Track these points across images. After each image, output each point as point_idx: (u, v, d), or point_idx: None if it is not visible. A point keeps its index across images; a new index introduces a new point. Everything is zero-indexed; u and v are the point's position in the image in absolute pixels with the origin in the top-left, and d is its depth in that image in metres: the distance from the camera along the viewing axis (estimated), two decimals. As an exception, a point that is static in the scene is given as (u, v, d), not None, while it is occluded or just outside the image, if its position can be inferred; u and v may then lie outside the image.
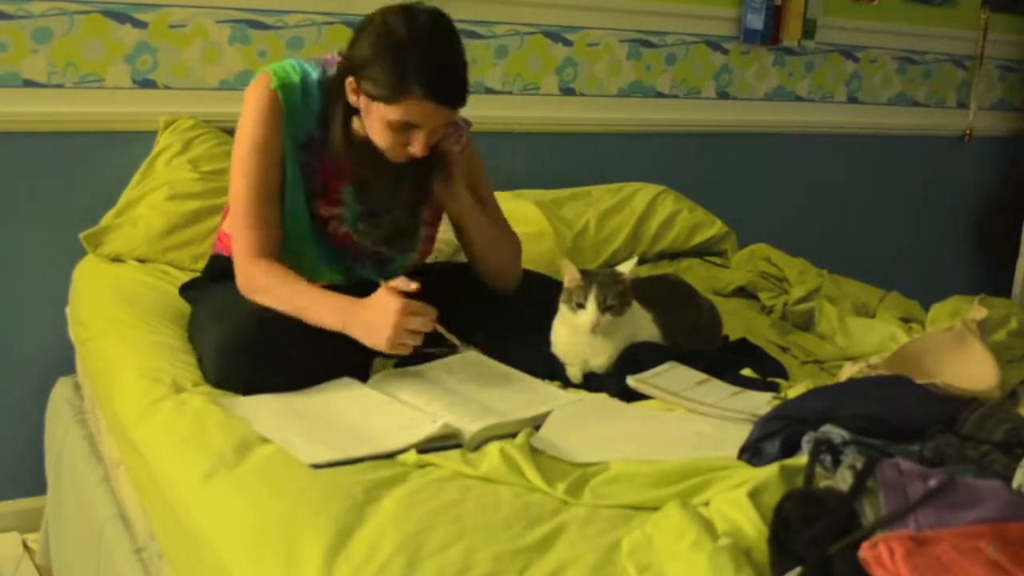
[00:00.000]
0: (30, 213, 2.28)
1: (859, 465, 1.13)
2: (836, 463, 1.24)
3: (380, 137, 1.70)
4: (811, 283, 2.41)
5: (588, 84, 2.92)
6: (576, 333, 1.73)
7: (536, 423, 1.52)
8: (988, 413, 1.36)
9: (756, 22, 3.08)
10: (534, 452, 1.40)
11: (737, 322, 2.16)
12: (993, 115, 3.80)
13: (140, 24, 2.30)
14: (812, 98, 3.35)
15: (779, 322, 2.27)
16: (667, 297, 1.90)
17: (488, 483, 1.32)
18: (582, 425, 1.53)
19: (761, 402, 1.57)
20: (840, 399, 1.42)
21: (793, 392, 1.60)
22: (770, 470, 1.20)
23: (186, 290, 1.96)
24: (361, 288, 1.69)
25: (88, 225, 2.22)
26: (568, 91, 2.89)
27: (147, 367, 1.67)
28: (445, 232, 2.09)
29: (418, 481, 1.31)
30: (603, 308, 1.68)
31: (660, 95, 3.05)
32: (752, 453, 1.36)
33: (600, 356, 1.73)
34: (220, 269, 1.85)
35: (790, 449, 1.33)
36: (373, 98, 1.66)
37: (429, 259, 2.06)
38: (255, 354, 1.60)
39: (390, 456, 1.39)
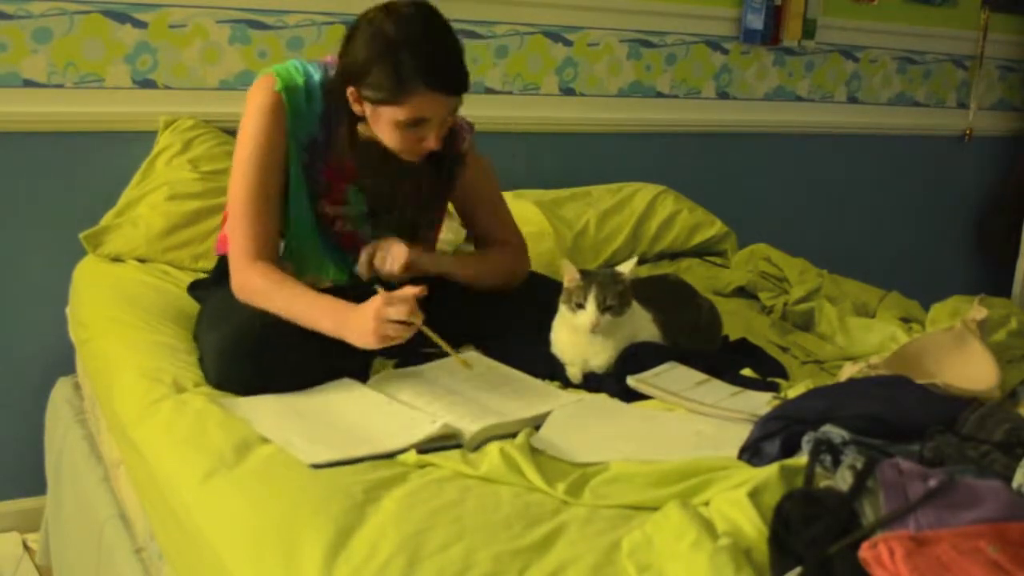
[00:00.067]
0: (30, 213, 2.28)
1: (859, 465, 1.13)
2: (836, 463, 1.24)
3: (393, 140, 1.70)
4: (811, 283, 2.41)
5: (588, 84, 2.92)
6: (576, 333, 1.73)
7: (536, 423, 1.52)
8: (988, 413, 1.36)
9: (756, 22, 3.08)
10: (534, 452, 1.40)
11: (737, 322, 2.16)
12: (993, 115, 3.79)
13: (140, 24, 2.30)
14: (812, 98, 3.35)
15: (779, 322, 2.27)
16: (667, 297, 1.90)
17: (488, 483, 1.32)
18: (582, 425, 1.53)
19: (761, 402, 1.57)
20: (840, 399, 1.42)
21: (793, 392, 1.60)
22: (770, 470, 1.20)
23: (194, 289, 1.97)
24: (364, 288, 1.69)
25: (88, 225, 2.22)
26: (568, 91, 2.89)
27: (147, 367, 1.67)
28: (445, 232, 2.09)
29: (418, 481, 1.31)
30: (603, 308, 1.68)
31: (660, 95, 3.05)
32: (752, 453, 1.36)
33: (600, 356, 1.73)
34: (226, 270, 1.85)
35: (790, 449, 1.33)
36: (378, 103, 1.66)
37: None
38: (256, 358, 1.60)
39: (390, 456, 1.39)
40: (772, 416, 1.41)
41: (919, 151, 3.65)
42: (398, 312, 1.54)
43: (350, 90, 1.68)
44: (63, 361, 2.29)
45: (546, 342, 1.79)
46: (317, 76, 1.77)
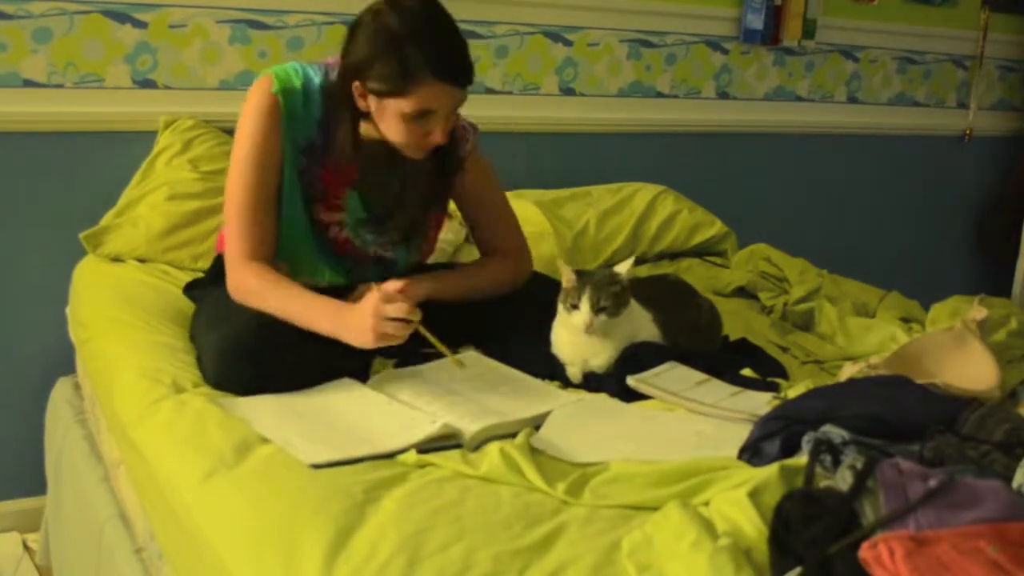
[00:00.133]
0: (30, 213, 2.28)
1: (859, 465, 1.13)
2: (836, 463, 1.24)
3: (398, 135, 1.69)
4: (811, 283, 2.41)
5: (588, 84, 2.92)
6: (575, 333, 1.73)
7: (536, 423, 1.52)
8: (988, 413, 1.36)
9: (756, 22, 3.08)
10: (534, 452, 1.40)
11: (737, 322, 2.16)
12: (993, 115, 3.79)
13: (140, 24, 2.30)
14: (812, 98, 3.35)
15: (779, 322, 2.27)
16: (667, 297, 1.90)
17: (488, 483, 1.32)
18: (582, 425, 1.53)
19: (761, 402, 1.57)
20: (840, 399, 1.42)
21: (793, 392, 1.60)
22: (770, 470, 1.20)
23: (190, 289, 1.96)
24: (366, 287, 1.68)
25: (88, 225, 2.22)
26: (568, 91, 2.89)
27: (147, 367, 1.66)
28: (445, 232, 2.09)
29: (418, 481, 1.31)
30: (596, 309, 1.68)
31: (660, 95, 3.05)
32: (752, 453, 1.36)
33: (600, 356, 1.73)
34: (223, 269, 1.85)
35: (790, 449, 1.33)
36: (383, 95, 1.65)
37: (430, 259, 2.06)
38: (254, 359, 1.60)
39: (390, 456, 1.39)
40: (772, 416, 1.41)
41: (919, 151, 3.65)
42: (396, 310, 1.53)
43: (355, 84, 1.67)
44: (63, 361, 2.29)
45: (546, 342, 1.78)
46: (317, 79, 1.77)
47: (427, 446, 1.41)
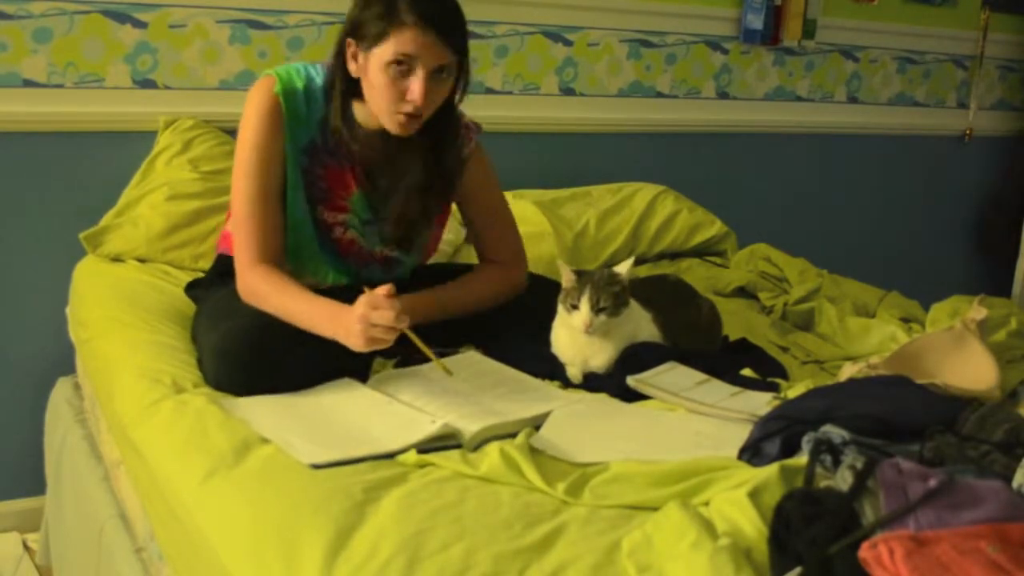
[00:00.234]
0: (30, 213, 2.28)
1: (859, 465, 1.13)
2: (836, 463, 1.24)
3: (381, 96, 1.66)
4: (811, 283, 2.41)
5: (588, 84, 2.92)
6: (575, 334, 1.73)
7: (536, 423, 1.52)
8: (988, 413, 1.37)
9: (756, 22, 3.08)
10: (534, 452, 1.40)
11: (737, 322, 2.16)
12: (993, 115, 3.80)
13: (140, 24, 2.30)
14: (812, 98, 3.35)
15: (779, 322, 2.27)
16: (667, 297, 1.90)
17: (488, 483, 1.32)
18: (582, 425, 1.53)
19: (761, 402, 1.57)
20: (840, 399, 1.42)
21: (793, 392, 1.60)
22: (770, 470, 1.20)
23: (191, 288, 1.96)
24: (368, 288, 1.68)
25: (88, 225, 2.22)
26: (568, 91, 2.89)
27: (147, 367, 1.67)
28: (446, 232, 2.09)
29: (418, 481, 1.31)
30: (596, 309, 1.68)
31: (660, 95, 3.05)
32: (752, 453, 1.36)
33: (600, 356, 1.73)
34: (224, 269, 1.85)
35: (790, 449, 1.33)
36: (368, 45, 1.64)
37: (430, 260, 2.06)
38: (255, 359, 1.60)
39: (390, 456, 1.39)
40: (772, 416, 1.41)
41: (919, 151, 3.65)
42: (380, 317, 1.53)
43: (348, 42, 1.68)
44: (63, 361, 2.29)
45: (546, 342, 1.78)
46: (319, 80, 1.77)
47: (427, 446, 1.41)
